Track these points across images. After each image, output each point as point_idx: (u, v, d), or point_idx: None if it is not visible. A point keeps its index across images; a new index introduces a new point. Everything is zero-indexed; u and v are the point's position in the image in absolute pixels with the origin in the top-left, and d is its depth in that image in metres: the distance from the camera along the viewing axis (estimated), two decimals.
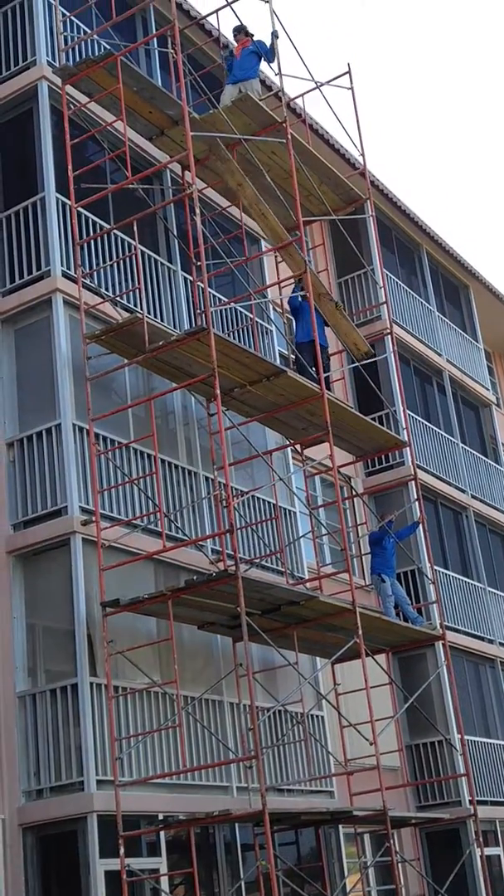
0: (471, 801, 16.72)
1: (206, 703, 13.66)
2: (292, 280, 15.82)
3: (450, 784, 18.51)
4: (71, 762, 12.01)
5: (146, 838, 12.37)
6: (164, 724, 12.75)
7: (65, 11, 14.57)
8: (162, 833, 12.34)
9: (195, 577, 12.52)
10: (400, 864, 15.63)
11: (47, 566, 12.84)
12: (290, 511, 16.23)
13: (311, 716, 15.25)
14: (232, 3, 15.44)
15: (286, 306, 16.54)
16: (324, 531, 17.50)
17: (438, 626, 16.90)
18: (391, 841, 13.86)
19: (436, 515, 21.38)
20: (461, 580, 21.53)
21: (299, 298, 15.61)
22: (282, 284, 15.97)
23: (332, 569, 17.40)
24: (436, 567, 19.27)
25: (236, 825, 13.41)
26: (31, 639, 12.76)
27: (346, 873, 15.26)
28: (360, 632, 13.55)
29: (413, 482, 18.09)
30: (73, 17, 14.74)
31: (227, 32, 16.15)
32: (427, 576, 18.21)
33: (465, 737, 17.75)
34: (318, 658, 15.62)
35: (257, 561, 14.98)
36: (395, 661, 18.72)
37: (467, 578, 21.87)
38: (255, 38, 15.54)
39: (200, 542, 13.85)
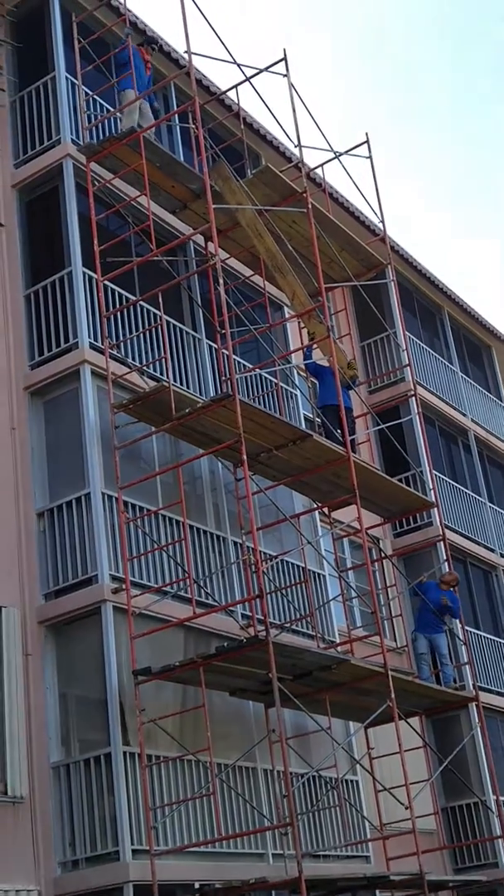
0: None
1: (239, 770, 13.61)
2: (315, 345, 16.00)
3: (486, 846, 18.31)
4: (106, 832, 11.98)
5: None
6: (199, 793, 12.72)
7: (87, 91, 14.96)
8: None
9: (226, 644, 12.54)
10: None
11: (78, 635, 12.90)
12: (319, 574, 16.25)
13: (346, 781, 15.15)
14: (251, 78, 15.79)
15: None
16: (353, 594, 17.50)
17: (471, 688, 16.80)
18: None
19: (465, 575, 21.33)
20: (493, 640, 21.41)
21: (316, 363, 15.83)
22: (305, 348, 16.17)
23: (363, 631, 17.38)
24: (467, 627, 19.20)
25: (273, 893, 13.27)
26: (64, 709, 12.79)
27: None
28: (393, 695, 13.51)
29: (442, 542, 18.11)
30: (95, 96, 15.14)
31: (247, 106, 16.49)
32: (458, 637, 18.15)
33: (501, 798, 17.56)
34: (351, 722, 15.55)
35: (288, 625, 14.99)
36: (429, 723, 18.59)
37: (499, 638, 21.74)
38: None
39: (230, 608, 13.90)
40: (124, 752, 12.08)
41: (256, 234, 15.14)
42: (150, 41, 16.00)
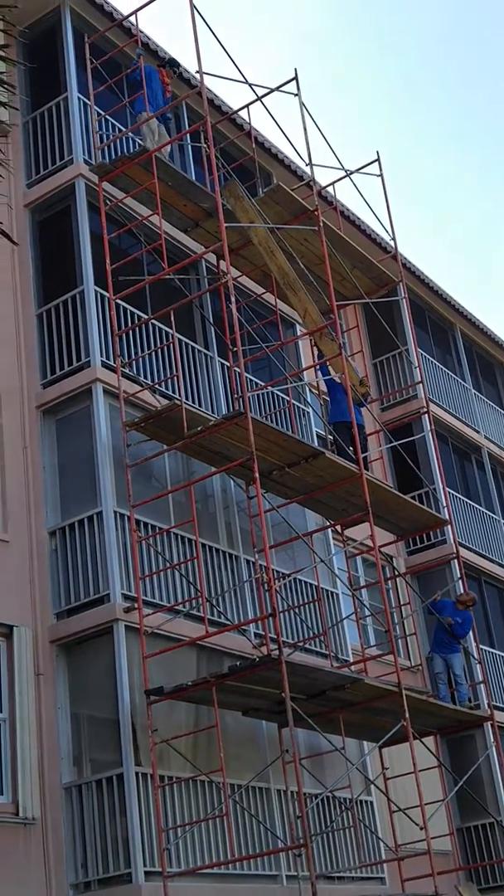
0: None
1: (252, 790, 13.52)
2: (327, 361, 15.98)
3: (502, 867, 18.15)
4: (118, 853, 11.91)
5: None
6: (211, 814, 12.64)
7: (100, 111, 15.02)
8: None
9: (239, 663, 12.49)
10: None
11: (90, 655, 12.85)
12: (332, 592, 16.19)
13: (360, 801, 15.05)
14: (262, 97, 15.81)
15: (323, 387, 16.69)
16: (367, 612, 17.42)
17: (486, 707, 16.69)
18: None
19: (480, 593, 21.21)
20: None
21: (336, 379, 15.78)
22: (318, 366, 16.14)
23: (377, 650, 17.29)
24: (482, 646, 19.09)
25: None
26: (76, 729, 12.73)
27: None
28: (407, 715, 13.42)
29: (455, 560, 18.03)
30: (108, 116, 15.18)
31: (258, 125, 16.52)
32: (473, 656, 18.05)
33: None
34: (365, 742, 15.45)
35: (301, 644, 14.92)
36: (444, 743, 18.48)
37: None
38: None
39: (243, 627, 13.84)
40: (137, 773, 12.01)
41: (268, 252, 15.16)
42: (172, 63, 16.06)
